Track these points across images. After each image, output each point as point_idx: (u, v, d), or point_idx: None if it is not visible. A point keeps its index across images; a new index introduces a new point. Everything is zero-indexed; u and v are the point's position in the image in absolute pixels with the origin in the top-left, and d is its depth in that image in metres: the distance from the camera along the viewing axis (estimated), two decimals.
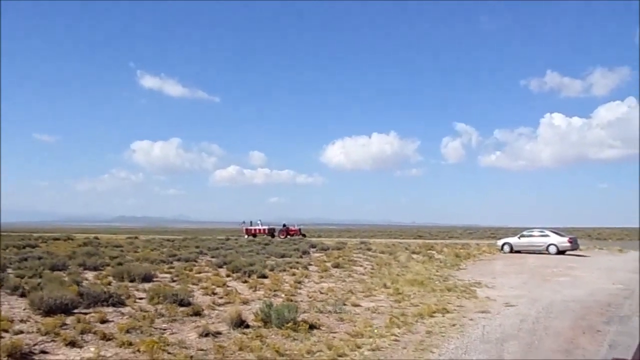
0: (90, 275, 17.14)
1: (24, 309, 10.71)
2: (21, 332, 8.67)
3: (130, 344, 8.05)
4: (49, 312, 10.17)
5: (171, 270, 19.21)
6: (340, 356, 7.75)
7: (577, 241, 31.22)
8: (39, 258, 21.57)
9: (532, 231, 32.45)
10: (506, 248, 31.98)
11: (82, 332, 8.56)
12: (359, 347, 8.28)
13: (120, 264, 21.04)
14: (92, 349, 7.77)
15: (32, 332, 8.66)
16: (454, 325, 10.24)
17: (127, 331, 8.76)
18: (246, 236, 54.67)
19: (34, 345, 7.86)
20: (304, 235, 54.93)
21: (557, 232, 32.10)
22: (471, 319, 10.83)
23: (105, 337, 8.39)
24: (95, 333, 8.62)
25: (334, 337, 8.96)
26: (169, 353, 7.58)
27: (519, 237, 32.11)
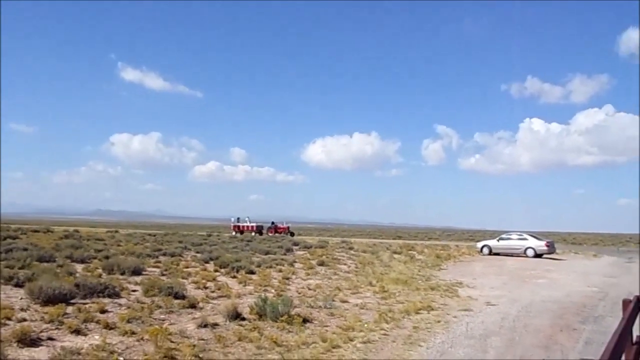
0: (78, 267, 17.31)
1: (20, 298, 10.95)
2: (24, 319, 8.95)
3: (133, 332, 8.40)
4: (48, 301, 10.42)
5: (158, 264, 19.46)
6: (334, 348, 8.19)
7: (554, 245, 32.13)
8: (24, 249, 21.60)
9: (511, 234, 33.30)
10: (485, 250, 32.75)
11: (85, 321, 8.88)
12: (352, 340, 8.73)
13: (107, 257, 21.20)
14: (97, 337, 8.10)
15: (36, 320, 8.95)
16: (438, 321, 10.74)
17: (128, 321, 9.09)
18: (233, 232, 54.36)
19: (41, 332, 8.16)
20: (292, 234, 54.53)
21: (535, 235, 32.96)
22: (455, 317, 11.36)
23: (108, 326, 8.71)
24: (97, 322, 8.94)
25: (327, 331, 9.40)
26: (171, 342, 7.94)
27: (497, 240, 32.91)
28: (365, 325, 9.95)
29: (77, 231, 51.08)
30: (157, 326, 8.72)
